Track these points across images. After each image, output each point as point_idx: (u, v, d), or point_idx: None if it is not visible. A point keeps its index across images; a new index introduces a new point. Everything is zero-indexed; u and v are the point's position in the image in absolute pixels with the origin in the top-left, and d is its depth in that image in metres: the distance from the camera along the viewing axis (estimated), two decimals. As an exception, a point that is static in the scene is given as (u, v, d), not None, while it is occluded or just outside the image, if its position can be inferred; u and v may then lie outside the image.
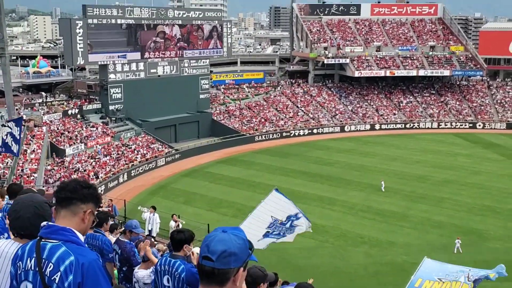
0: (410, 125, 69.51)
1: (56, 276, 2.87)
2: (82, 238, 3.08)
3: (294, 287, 5.76)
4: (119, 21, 54.35)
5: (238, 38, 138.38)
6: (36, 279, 2.93)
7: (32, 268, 2.95)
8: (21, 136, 17.63)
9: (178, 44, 60.01)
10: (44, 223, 3.11)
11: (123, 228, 9.62)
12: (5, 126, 17.78)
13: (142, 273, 7.57)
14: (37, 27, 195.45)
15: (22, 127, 18.09)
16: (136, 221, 9.93)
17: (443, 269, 10.54)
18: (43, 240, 3.00)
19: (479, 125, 69.32)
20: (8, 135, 17.48)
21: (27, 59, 72.81)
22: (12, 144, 17.71)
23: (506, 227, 34.22)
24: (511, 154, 54.92)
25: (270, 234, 13.61)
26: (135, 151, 50.16)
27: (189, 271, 5.76)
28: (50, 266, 2.90)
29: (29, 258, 2.99)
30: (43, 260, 2.93)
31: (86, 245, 3.14)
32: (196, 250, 6.15)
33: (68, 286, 2.85)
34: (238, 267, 2.54)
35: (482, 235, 32.94)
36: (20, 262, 3.02)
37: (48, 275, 2.89)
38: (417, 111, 72.70)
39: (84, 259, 2.90)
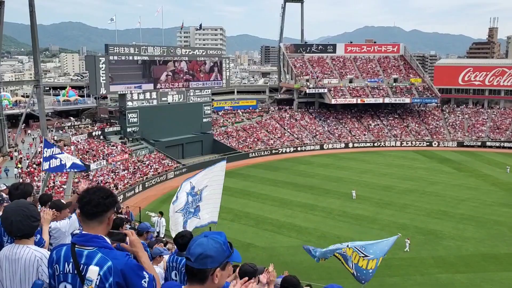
0: (377, 143, 69.77)
1: (97, 280, 2.85)
2: (109, 241, 3.06)
3: (281, 280, 5.75)
4: (135, 58, 54.62)
5: (235, 72, 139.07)
6: (75, 281, 2.91)
7: (71, 272, 2.92)
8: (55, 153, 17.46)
9: (185, 77, 60.28)
10: (77, 231, 3.10)
11: (137, 231, 9.47)
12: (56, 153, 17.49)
13: (157, 270, 7.54)
14: (66, 63, 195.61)
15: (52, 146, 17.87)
16: (147, 223, 9.75)
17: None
18: (77, 246, 2.96)
19: (435, 144, 69.68)
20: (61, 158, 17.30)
21: (58, 89, 72.88)
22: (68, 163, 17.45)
23: (458, 228, 34.30)
24: (461, 168, 55.20)
25: (185, 216, 13.56)
26: (149, 166, 50.03)
27: None
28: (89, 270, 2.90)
29: (66, 262, 2.95)
30: (81, 265, 2.90)
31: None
32: None
33: (109, 285, 2.84)
34: (215, 267, 2.52)
35: (438, 235, 32.99)
36: (57, 265, 2.99)
37: (88, 278, 2.88)
38: (383, 132, 73.05)
39: (119, 262, 2.88)
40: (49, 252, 3.38)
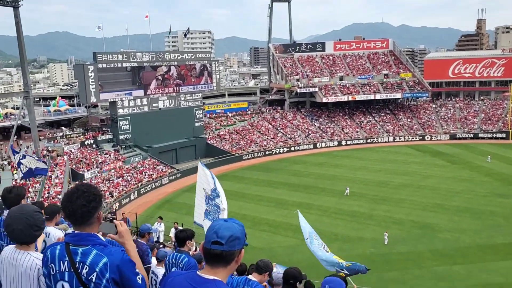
0: (370, 140, 70.18)
1: (93, 276, 2.88)
2: (103, 238, 3.07)
3: (283, 272, 5.92)
4: (124, 65, 54.59)
5: (225, 75, 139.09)
6: (72, 279, 2.92)
7: (67, 270, 2.94)
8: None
9: (175, 82, 60.33)
10: (69, 231, 3.12)
11: (139, 232, 9.65)
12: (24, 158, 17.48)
13: (161, 270, 7.61)
14: (55, 73, 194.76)
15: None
16: (149, 224, 9.90)
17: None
18: (71, 245, 2.97)
19: (427, 137, 70.19)
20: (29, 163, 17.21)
21: (48, 100, 72.63)
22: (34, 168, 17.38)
23: (453, 220, 34.63)
24: (454, 160, 55.64)
25: (208, 213, 13.70)
26: (143, 173, 50.03)
27: (188, 262, 5.87)
28: (86, 268, 2.90)
29: (61, 261, 2.96)
30: (77, 263, 2.92)
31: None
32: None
33: (106, 281, 2.88)
34: (240, 249, 2.66)
35: (435, 228, 33.28)
36: (52, 265, 3.00)
37: (84, 275, 2.90)
38: (376, 128, 73.49)
39: (114, 258, 2.93)
40: None
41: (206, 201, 13.80)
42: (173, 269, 6.42)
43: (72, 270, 2.92)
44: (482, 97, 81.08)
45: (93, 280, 2.88)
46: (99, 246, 2.96)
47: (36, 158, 21.17)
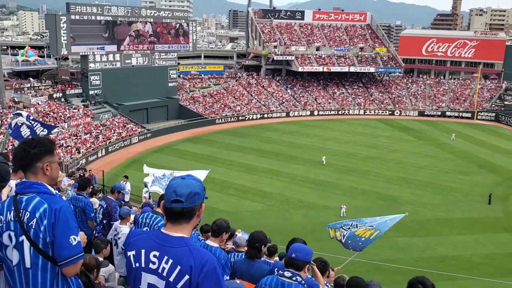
0: (342, 112, 70.47)
1: (33, 222, 2.81)
2: (51, 189, 2.98)
3: (248, 236, 5.71)
4: (98, 18, 52.33)
5: (202, 36, 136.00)
6: (16, 227, 2.86)
7: (12, 219, 2.88)
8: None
9: (149, 39, 58.38)
10: (18, 180, 3.05)
11: (111, 188, 9.70)
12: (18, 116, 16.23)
13: (126, 229, 7.40)
14: (25, 21, 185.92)
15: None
16: (122, 183, 9.92)
17: (341, 222, 11.82)
18: (19, 195, 2.93)
19: (397, 113, 71.05)
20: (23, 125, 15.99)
21: (16, 49, 69.25)
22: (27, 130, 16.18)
23: (416, 194, 35.52)
24: (421, 136, 56.68)
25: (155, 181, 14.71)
26: (112, 130, 48.88)
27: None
28: (27, 214, 2.83)
29: (8, 212, 2.91)
30: (21, 210, 2.86)
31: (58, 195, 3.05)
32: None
33: (44, 228, 2.80)
34: (200, 203, 2.65)
35: (398, 200, 34.08)
36: (1, 216, 2.93)
37: (25, 222, 2.83)
38: (348, 101, 73.80)
39: (55, 205, 2.85)
40: None
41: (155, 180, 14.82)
42: (144, 229, 6.16)
43: (16, 219, 2.87)
44: (452, 77, 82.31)
45: (33, 226, 2.81)
46: (43, 195, 2.91)
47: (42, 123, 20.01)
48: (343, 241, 11.39)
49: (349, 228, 11.48)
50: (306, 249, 4.09)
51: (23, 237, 2.83)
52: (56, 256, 2.82)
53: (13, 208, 2.89)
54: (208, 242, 5.50)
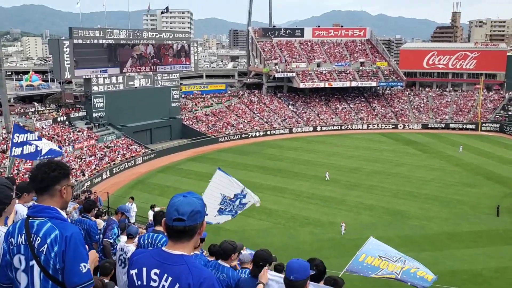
0: (344, 126, 70.57)
1: (44, 248, 2.84)
2: (64, 214, 3.03)
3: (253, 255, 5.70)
4: (101, 41, 53.01)
5: (203, 56, 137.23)
6: (27, 252, 2.89)
7: (23, 243, 2.91)
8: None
9: (152, 61, 59.00)
10: (31, 203, 3.03)
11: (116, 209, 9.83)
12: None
13: (133, 249, 7.38)
14: (29, 47, 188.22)
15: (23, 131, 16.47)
16: (128, 206, 9.93)
17: (384, 249, 10.04)
18: (31, 218, 2.96)
19: (400, 126, 71.01)
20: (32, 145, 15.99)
21: (20, 74, 70.12)
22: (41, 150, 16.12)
23: (422, 208, 35.19)
24: (426, 149, 56.46)
25: (223, 211, 13.29)
26: (116, 152, 49.03)
27: (167, 241, 5.78)
28: (38, 239, 2.86)
29: (19, 235, 2.94)
30: (32, 235, 2.89)
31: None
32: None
33: (54, 255, 2.83)
34: (202, 221, 2.66)
35: (404, 215, 33.77)
36: (12, 239, 2.96)
37: (36, 247, 2.85)
38: (350, 115, 73.90)
39: (66, 232, 2.87)
40: None
41: (222, 202, 13.34)
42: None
43: (27, 243, 2.90)
44: (454, 88, 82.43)
45: (44, 252, 2.84)
46: (55, 220, 2.93)
47: (49, 142, 20.10)
48: (398, 276, 9.40)
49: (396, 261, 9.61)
50: (302, 267, 3.99)
51: (33, 261, 2.86)
52: (66, 283, 2.85)
53: (24, 232, 2.93)
54: (220, 261, 5.66)
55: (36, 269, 2.86)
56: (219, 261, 5.63)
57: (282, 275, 4.46)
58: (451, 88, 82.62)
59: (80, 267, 2.85)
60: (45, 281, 2.85)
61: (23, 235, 2.92)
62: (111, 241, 8.64)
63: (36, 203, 3.05)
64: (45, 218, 2.93)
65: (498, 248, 28.21)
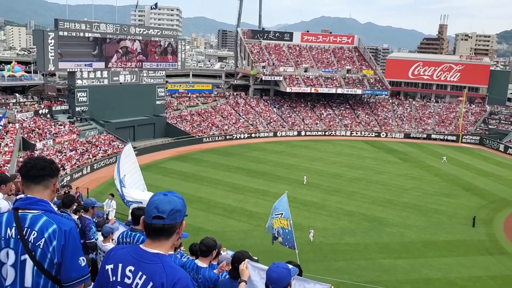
0: (328, 132, 71.24)
1: (41, 242, 2.79)
2: (55, 207, 3.04)
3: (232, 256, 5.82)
4: (87, 34, 52.58)
5: (190, 54, 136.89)
6: (18, 246, 2.81)
7: (13, 236, 2.82)
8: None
9: (138, 57, 58.73)
10: (22, 195, 2.99)
11: (84, 206, 9.34)
12: None
13: (110, 247, 7.42)
14: (12, 36, 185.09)
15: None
16: (93, 198, 9.61)
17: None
18: (20, 210, 2.89)
19: (383, 134, 72.00)
20: None
21: (2, 64, 68.97)
22: None
23: (401, 216, 35.80)
24: (407, 158, 57.37)
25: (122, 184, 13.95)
26: (98, 148, 48.70)
27: (145, 240, 5.78)
28: (34, 233, 2.80)
29: (8, 228, 2.84)
30: (25, 228, 2.82)
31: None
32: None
33: (53, 249, 2.80)
34: (181, 221, 2.68)
35: (383, 222, 34.31)
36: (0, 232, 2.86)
37: (32, 241, 2.80)
38: (335, 122, 74.64)
39: (65, 227, 2.87)
40: None
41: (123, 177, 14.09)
42: None
43: (19, 237, 2.81)
44: (437, 100, 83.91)
45: (41, 246, 2.79)
46: (50, 214, 2.90)
47: None
48: (282, 241, 13.08)
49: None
50: (280, 279, 3.76)
51: (26, 256, 2.79)
52: (63, 277, 2.83)
53: (14, 225, 2.84)
54: (198, 262, 5.58)
55: (29, 264, 2.79)
56: (197, 261, 5.59)
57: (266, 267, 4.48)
58: (434, 99, 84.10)
59: (79, 261, 2.88)
60: (37, 276, 2.80)
61: (13, 228, 2.83)
62: (94, 241, 8.51)
63: (27, 195, 2.95)
64: (38, 211, 2.87)
65: (472, 258, 28.95)
